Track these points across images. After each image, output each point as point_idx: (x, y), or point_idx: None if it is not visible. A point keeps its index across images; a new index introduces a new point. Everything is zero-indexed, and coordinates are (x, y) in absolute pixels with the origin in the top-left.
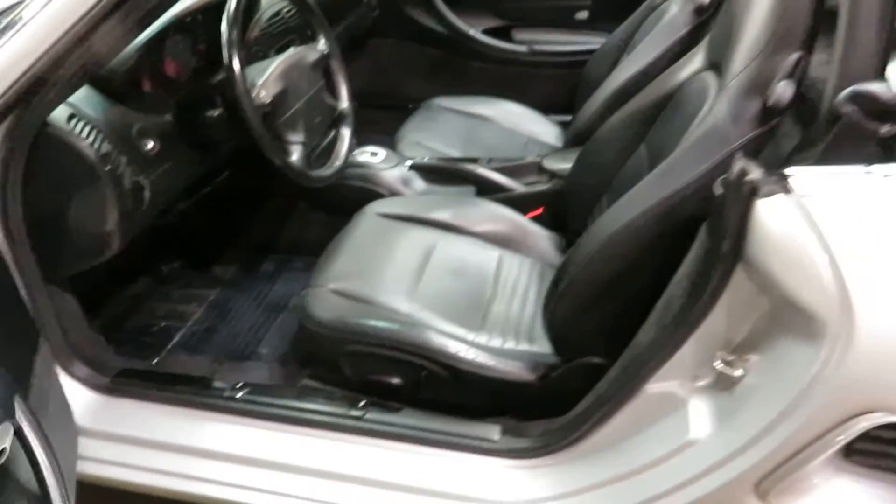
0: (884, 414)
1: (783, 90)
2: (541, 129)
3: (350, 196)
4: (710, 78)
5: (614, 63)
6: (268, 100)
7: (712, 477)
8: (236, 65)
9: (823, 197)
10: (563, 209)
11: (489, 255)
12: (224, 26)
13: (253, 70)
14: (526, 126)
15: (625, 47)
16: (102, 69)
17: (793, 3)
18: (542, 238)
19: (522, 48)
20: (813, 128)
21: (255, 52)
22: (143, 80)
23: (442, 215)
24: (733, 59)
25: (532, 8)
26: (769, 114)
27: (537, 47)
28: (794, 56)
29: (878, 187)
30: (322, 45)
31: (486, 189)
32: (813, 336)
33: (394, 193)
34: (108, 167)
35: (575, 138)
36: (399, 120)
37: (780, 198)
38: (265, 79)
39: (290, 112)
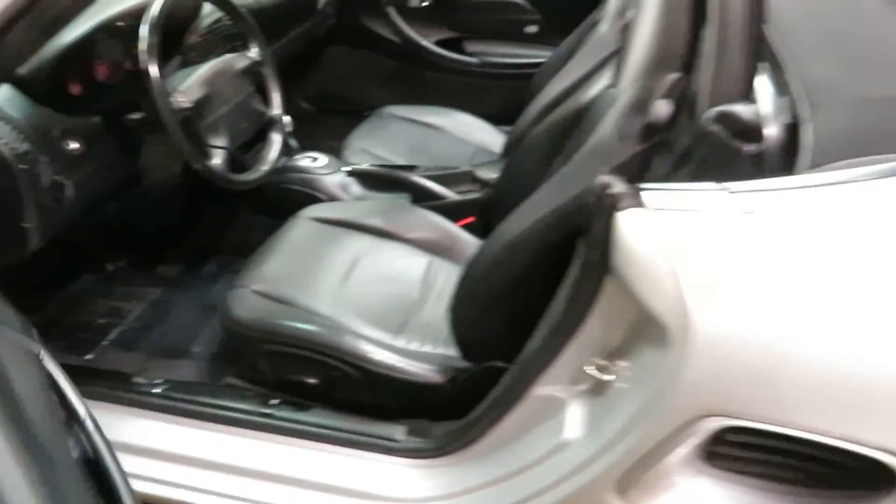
0: (724, 418)
1: (661, 109)
2: (490, 139)
3: (290, 200)
4: (613, 95)
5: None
6: (188, 104)
7: (579, 476)
8: (153, 70)
9: (672, 211)
10: (491, 218)
11: (419, 261)
12: (143, 30)
13: (179, 75)
14: (475, 136)
15: (566, 62)
16: (26, 71)
17: (672, 25)
18: (472, 246)
19: (474, 60)
20: (689, 145)
21: (191, 58)
22: (72, 83)
23: (375, 221)
24: (622, 79)
25: (484, 21)
26: (650, 131)
27: (488, 59)
28: (673, 76)
29: (724, 202)
30: (254, 52)
31: (422, 197)
32: (662, 343)
33: (333, 198)
34: (25, 166)
35: (508, 149)
36: (355, 126)
37: (634, 211)
38: (188, 84)
39: (214, 117)
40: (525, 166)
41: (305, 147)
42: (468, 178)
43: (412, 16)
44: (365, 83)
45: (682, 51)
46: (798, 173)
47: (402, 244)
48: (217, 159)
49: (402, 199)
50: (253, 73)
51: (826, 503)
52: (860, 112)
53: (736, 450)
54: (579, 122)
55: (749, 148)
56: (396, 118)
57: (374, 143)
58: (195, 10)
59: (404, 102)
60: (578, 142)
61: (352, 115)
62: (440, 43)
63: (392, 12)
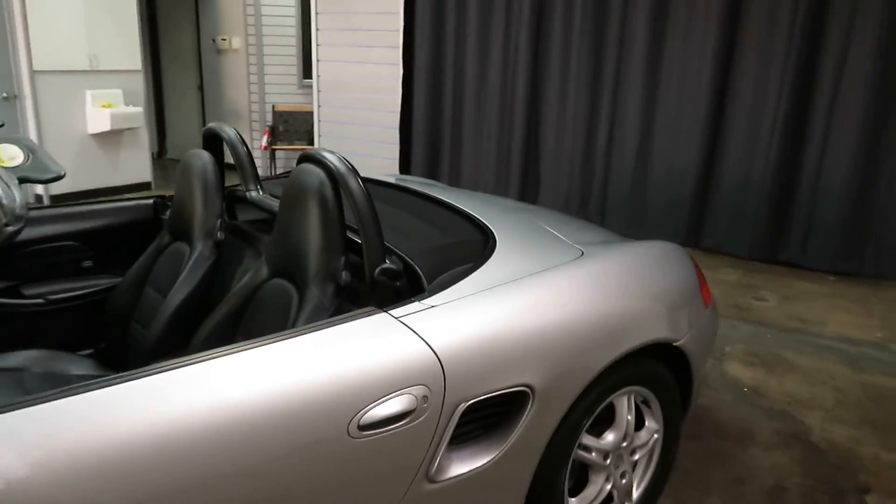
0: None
1: (345, 275)
2: (73, 366)
3: None
4: (283, 282)
5: (137, 293)
6: None
7: None
8: None
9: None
10: None
11: None
12: None
13: None
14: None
15: (144, 280)
16: None
17: (332, 238)
18: None
19: (39, 300)
20: (368, 287)
21: None
22: None
23: None
24: (308, 267)
25: (40, 265)
26: (342, 289)
27: (53, 297)
28: (342, 258)
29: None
30: None
31: None
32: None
33: None
34: None
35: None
36: None
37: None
38: None
39: None
40: None
41: None
42: None
43: None
44: None
45: (340, 245)
46: (426, 293)
47: None
48: None
49: None
50: None
51: (500, 436)
52: (428, 255)
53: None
54: (247, 307)
55: (401, 283)
56: None
57: None
58: None
59: None
60: (266, 320)
61: None
62: None
63: None
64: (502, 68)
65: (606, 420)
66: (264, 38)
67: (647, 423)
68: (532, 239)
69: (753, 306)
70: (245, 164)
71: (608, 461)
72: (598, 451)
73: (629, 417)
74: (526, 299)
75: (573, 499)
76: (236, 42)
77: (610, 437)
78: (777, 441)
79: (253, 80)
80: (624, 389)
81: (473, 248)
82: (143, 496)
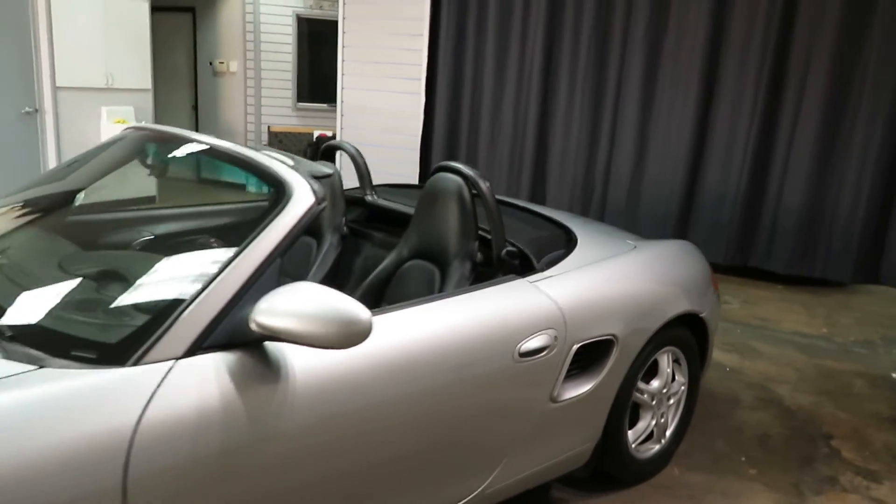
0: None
1: (479, 255)
2: None
3: None
4: (423, 262)
5: None
6: None
7: None
8: None
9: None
10: None
11: None
12: None
13: None
14: None
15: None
16: None
17: (468, 227)
18: None
19: None
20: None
21: None
22: None
23: None
24: (450, 249)
25: None
26: (476, 265)
27: None
28: (476, 243)
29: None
30: None
31: None
32: None
33: None
34: None
35: None
36: None
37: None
38: None
39: None
40: None
41: None
42: None
43: None
44: None
45: (473, 231)
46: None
47: None
48: None
49: None
50: None
51: (594, 374)
52: (531, 244)
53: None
54: (389, 282)
55: (515, 262)
56: None
57: None
58: None
59: None
60: (416, 284)
61: None
62: None
63: None
64: (514, 107)
65: (651, 373)
66: (262, 63)
67: (677, 377)
68: (599, 235)
69: (722, 308)
70: (364, 173)
71: (654, 402)
72: (648, 393)
73: (668, 370)
74: (608, 275)
75: (630, 431)
76: (234, 65)
77: (655, 384)
78: (758, 404)
79: (250, 102)
80: (665, 348)
81: (560, 239)
82: (380, 400)
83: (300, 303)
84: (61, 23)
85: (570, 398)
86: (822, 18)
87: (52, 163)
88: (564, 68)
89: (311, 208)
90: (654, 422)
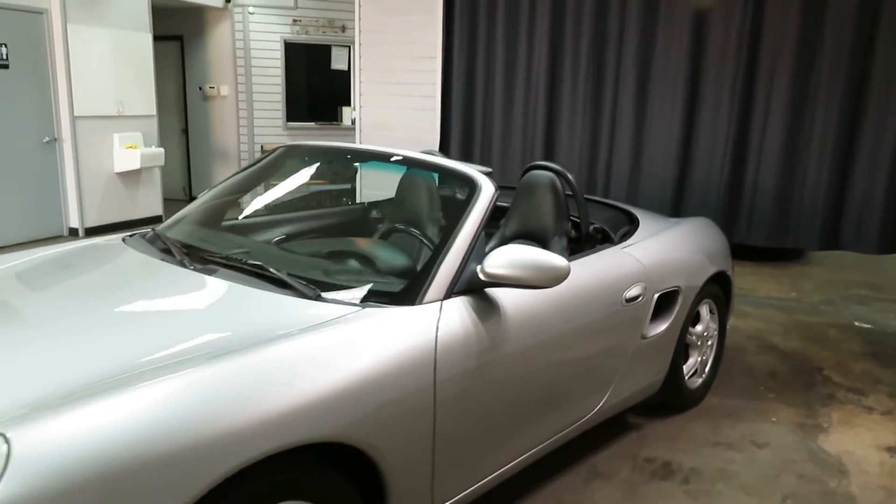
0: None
1: (571, 231)
2: None
3: None
4: (524, 242)
5: None
6: None
7: None
8: None
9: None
10: None
11: None
12: None
13: None
14: None
15: None
16: None
17: (562, 210)
18: None
19: None
20: (584, 241)
21: None
22: None
23: None
24: (549, 228)
25: None
26: (570, 240)
27: None
28: (568, 223)
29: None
30: None
31: None
32: None
33: None
34: None
35: None
36: None
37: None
38: None
39: None
40: None
41: None
42: None
43: None
44: None
45: (565, 212)
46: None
47: None
48: None
49: None
50: None
51: (666, 317)
52: (606, 222)
53: None
54: None
55: (598, 237)
56: None
57: None
58: None
59: None
60: None
61: None
62: None
63: None
64: (523, 119)
65: (695, 320)
66: (254, 87)
67: (710, 324)
68: (648, 216)
69: None
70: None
71: (699, 343)
72: (696, 335)
73: (708, 317)
74: (669, 243)
75: (684, 367)
76: (224, 89)
77: (699, 328)
78: (760, 350)
79: (242, 123)
80: (705, 300)
81: (626, 219)
82: (555, 334)
83: (516, 257)
84: (78, 56)
85: (653, 336)
86: (784, 34)
87: (70, 188)
88: (566, 83)
89: (494, 194)
90: (699, 359)
